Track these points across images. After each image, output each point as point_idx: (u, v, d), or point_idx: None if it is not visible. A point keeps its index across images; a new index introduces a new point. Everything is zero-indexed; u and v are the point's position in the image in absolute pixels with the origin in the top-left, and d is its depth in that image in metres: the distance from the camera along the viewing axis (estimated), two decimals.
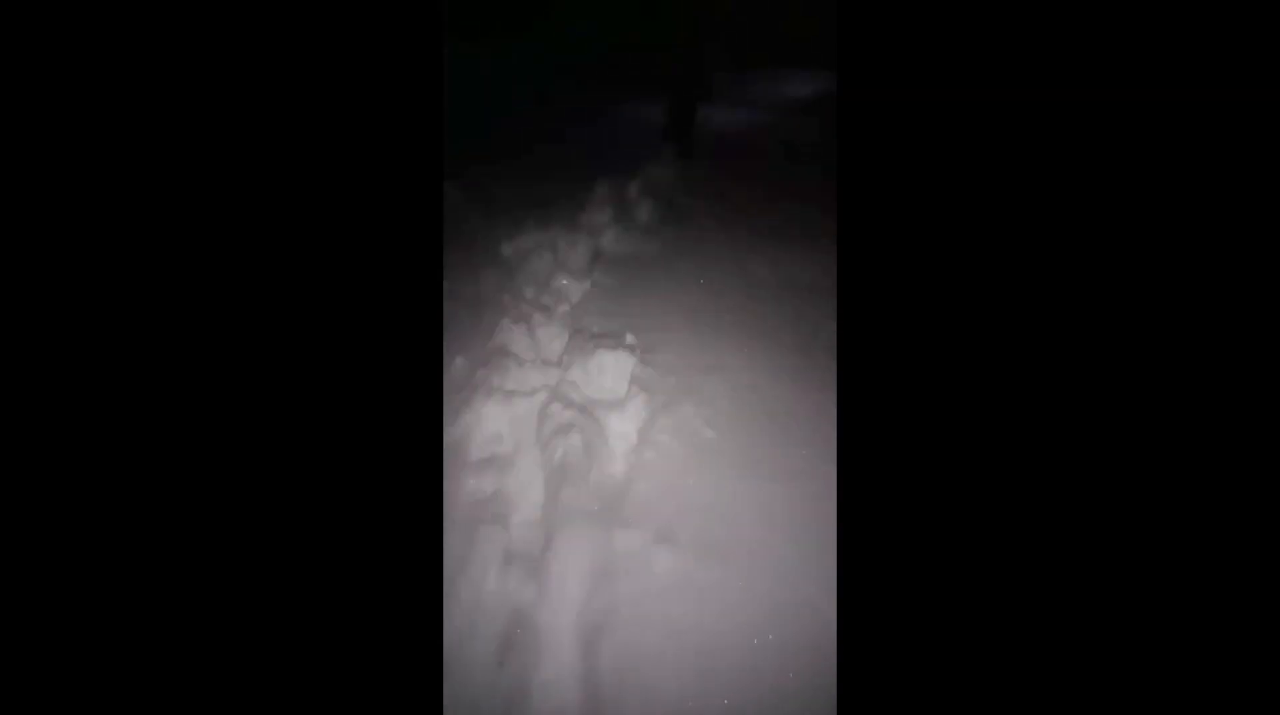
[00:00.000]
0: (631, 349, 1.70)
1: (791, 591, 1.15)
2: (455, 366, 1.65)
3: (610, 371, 1.64)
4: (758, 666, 1.05)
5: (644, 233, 2.34)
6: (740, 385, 1.63)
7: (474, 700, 1.02)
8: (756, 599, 1.14)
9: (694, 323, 1.87)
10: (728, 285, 2.08)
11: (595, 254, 2.22)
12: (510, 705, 1.01)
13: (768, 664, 1.05)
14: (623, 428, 1.49)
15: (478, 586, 1.17)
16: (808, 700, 0.99)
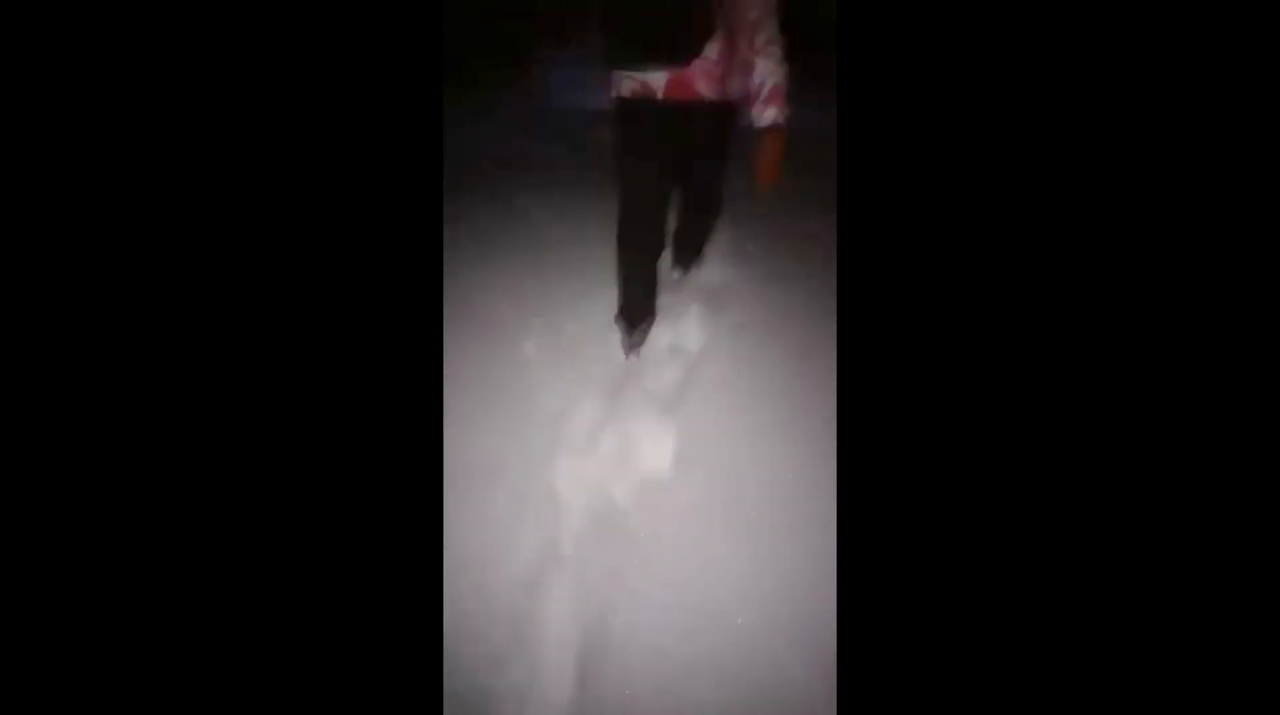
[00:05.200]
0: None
1: (791, 587, 1.16)
2: None
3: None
4: (755, 662, 1.06)
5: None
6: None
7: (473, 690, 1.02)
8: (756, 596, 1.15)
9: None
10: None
11: None
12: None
13: (765, 659, 1.06)
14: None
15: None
16: (808, 698, 1.00)
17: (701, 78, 1.30)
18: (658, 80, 1.32)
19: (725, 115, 1.40)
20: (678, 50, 1.26)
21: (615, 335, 1.79)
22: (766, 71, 1.31)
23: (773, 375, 1.66)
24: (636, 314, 1.63)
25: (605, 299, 1.93)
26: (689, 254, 1.76)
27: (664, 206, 1.52)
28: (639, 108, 1.37)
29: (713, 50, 1.29)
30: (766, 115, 1.33)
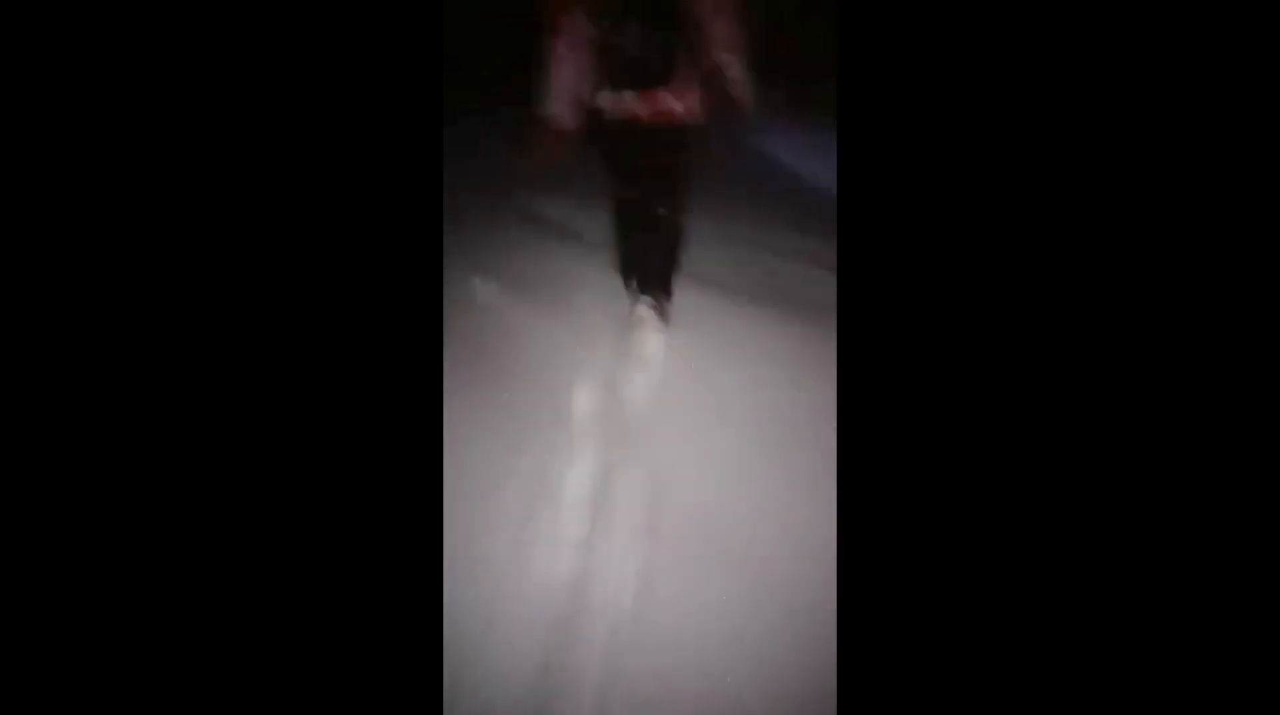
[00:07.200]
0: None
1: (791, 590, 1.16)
2: None
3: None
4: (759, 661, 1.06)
5: None
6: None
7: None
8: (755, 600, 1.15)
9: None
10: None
11: None
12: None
13: (767, 660, 1.06)
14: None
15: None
16: (808, 697, 1.00)
17: (675, 97, 1.52)
18: (638, 103, 1.52)
19: (684, 130, 1.59)
20: (658, 70, 1.48)
21: (615, 325, 1.84)
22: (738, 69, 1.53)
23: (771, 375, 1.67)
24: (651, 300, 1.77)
25: (606, 293, 1.94)
26: (660, 282, 1.81)
27: (647, 221, 1.73)
28: (621, 129, 1.56)
29: (687, 71, 1.49)
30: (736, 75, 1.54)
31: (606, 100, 1.54)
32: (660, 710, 1.01)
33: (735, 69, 1.53)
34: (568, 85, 1.53)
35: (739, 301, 1.97)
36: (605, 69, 1.50)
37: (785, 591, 1.14)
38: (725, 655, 1.06)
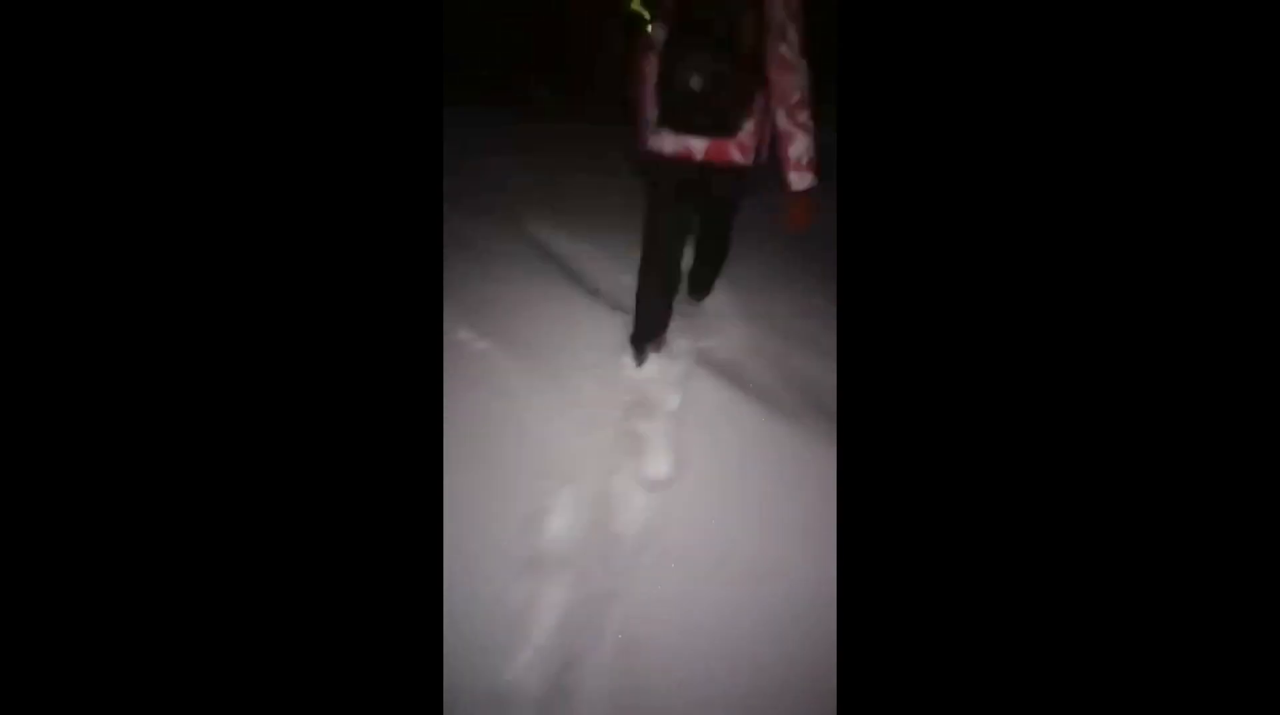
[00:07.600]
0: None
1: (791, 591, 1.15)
2: None
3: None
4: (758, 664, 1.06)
5: None
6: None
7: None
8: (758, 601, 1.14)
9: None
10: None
11: None
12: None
13: (768, 660, 1.06)
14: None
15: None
16: (808, 697, 1.00)
17: (738, 148, 1.49)
18: (699, 145, 1.50)
19: (742, 172, 1.56)
20: (722, 121, 1.45)
21: (616, 346, 1.82)
22: (804, 145, 1.45)
23: (773, 392, 1.66)
24: (648, 338, 1.79)
25: (605, 304, 1.92)
26: (702, 287, 2.01)
27: (681, 247, 1.72)
28: (673, 163, 1.54)
29: (750, 124, 1.47)
30: (804, 181, 1.48)
31: (666, 138, 1.52)
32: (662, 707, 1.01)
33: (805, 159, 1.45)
34: (645, 118, 1.56)
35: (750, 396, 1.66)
36: (670, 106, 1.46)
37: None
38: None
